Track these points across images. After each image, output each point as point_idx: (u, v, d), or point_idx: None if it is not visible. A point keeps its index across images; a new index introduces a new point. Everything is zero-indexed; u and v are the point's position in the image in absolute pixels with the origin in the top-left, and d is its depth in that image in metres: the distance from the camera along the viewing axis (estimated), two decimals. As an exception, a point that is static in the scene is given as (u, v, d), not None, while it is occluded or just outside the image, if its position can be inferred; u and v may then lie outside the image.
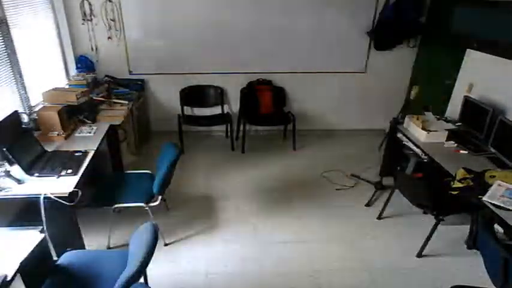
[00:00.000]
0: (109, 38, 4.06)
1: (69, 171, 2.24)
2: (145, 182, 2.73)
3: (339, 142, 4.64)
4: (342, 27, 4.21)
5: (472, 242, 2.42)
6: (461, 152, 2.82)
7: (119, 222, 2.84)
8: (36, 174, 2.20)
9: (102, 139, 2.79)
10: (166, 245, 2.74)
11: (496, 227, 2.33)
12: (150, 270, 2.44)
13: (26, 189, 2.08)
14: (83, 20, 3.94)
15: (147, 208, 2.53)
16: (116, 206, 2.51)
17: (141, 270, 1.57)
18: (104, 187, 2.73)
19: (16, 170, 2.19)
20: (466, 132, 3.08)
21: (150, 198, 2.57)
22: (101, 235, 2.72)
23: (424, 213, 3.07)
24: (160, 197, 2.59)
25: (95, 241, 2.68)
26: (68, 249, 2.04)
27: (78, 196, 2.10)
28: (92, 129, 2.92)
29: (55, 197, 2.01)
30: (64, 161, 2.35)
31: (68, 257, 1.98)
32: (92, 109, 3.24)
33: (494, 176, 2.33)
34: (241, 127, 4.30)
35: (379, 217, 3.11)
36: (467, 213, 2.76)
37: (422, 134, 2.97)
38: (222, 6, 4.01)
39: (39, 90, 3.21)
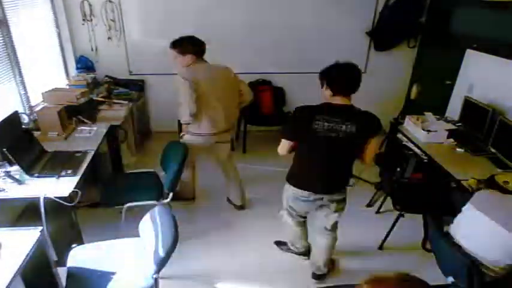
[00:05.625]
0: (109, 38, 4.06)
1: (69, 171, 2.24)
2: (151, 181, 2.72)
3: (339, 142, 4.62)
4: (342, 28, 4.21)
5: (422, 244, 2.38)
6: (459, 149, 2.83)
7: (120, 221, 2.83)
8: (36, 175, 2.20)
9: (102, 139, 2.79)
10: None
11: None
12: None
13: (26, 189, 2.08)
14: (83, 20, 3.94)
15: (159, 205, 2.50)
16: (128, 205, 2.49)
17: (175, 246, 1.66)
18: (113, 187, 2.74)
19: (16, 171, 2.19)
20: (466, 133, 3.07)
21: (159, 196, 2.57)
22: (101, 235, 2.71)
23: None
24: (171, 194, 2.56)
25: (95, 241, 2.67)
26: (73, 245, 2.05)
27: (78, 197, 2.10)
28: (92, 129, 2.92)
29: (55, 197, 2.01)
30: (64, 162, 2.35)
31: (81, 251, 2.00)
32: (92, 109, 3.24)
33: (507, 182, 2.26)
34: (242, 127, 4.29)
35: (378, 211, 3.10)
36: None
37: (422, 134, 2.97)
38: (222, 6, 4.01)
39: (39, 90, 3.21)
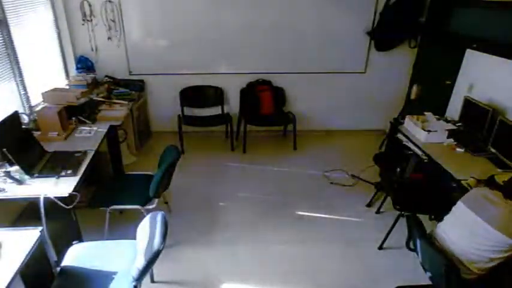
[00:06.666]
0: (109, 38, 4.06)
1: (69, 171, 2.24)
2: (145, 184, 2.72)
3: (339, 142, 4.64)
4: (342, 27, 4.21)
5: (406, 244, 2.39)
6: (459, 149, 2.83)
7: (121, 222, 2.83)
8: (36, 175, 2.20)
9: (102, 139, 2.79)
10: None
11: None
12: (152, 270, 2.45)
13: (25, 189, 2.08)
14: (83, 20, 3.94)
15: (143, 211, 2.50)
16: (112, 207, 2.50)
17: (156, 258, 1.64)
18: (104, 188, 2.73)
19: (16, 171, 2.19)
20: (466, 133, 3.07)
21: (148, 200, 2.55)
22: (102, 235, 2.72)
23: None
24: (156, 200, 2.57)
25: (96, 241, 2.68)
26: (74, 242, 2.06)
27: (77, 199, 2.09)
28: (92, 129, 2.92)
29: (55, 197, 2.01)
30: (64, 162, 2.35)
31: (77, 249, 2.02)
32: (92, 109, 3.24)
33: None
34: (242, 127, 4.30)
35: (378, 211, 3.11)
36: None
37: (422, 134, 2.97)
38: (222, 6, 4.01)
39: (39, 90, 3.21)
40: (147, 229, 1.81)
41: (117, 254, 2.00)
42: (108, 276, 1.85)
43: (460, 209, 1.98)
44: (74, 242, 2.06)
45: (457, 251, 1.87)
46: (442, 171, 2.57)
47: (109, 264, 1.93)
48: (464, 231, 1.89)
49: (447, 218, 2.05)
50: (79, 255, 1.98)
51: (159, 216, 1.81)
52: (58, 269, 1.90)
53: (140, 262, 1.64)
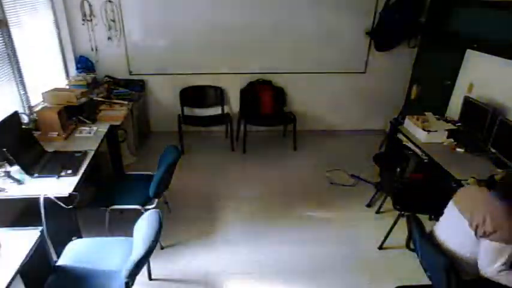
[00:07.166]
0: (109, 38, 4.06)
1: (69, 171, 2.24)
2: (146, 184, 2.72)
3: (339, 142, 4.64)
4: (342, 27, 4.21)
5: (406, 244, 2.40)
6: (459, 149, 2.83)
7: (122, 222, 2.83)
8: (36, 175, 2.20)
9: (102, 139, 2.79)
10: (162, 248, 2.73)
11: None
12: (151, 270, 2.46)
13: (26, 189, 2.08)
14: (83, 20, 3.94)
15: (143, 211, 2.48)
16: (112, 207, 2.50)
17: (149, 254, 1.65)
18: (104, 188, 2.73)
19: (16, 171, 2.19)
20: (466, 132, 3.07)
21: (148, 200, 2.55)
22: (102, 235, 2.71)
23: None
24: (156, 200, 2.57)
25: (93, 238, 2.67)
26: (73, 238, 2.08)
27: (77, 199, 2.09)
28: (92, 129, 2.92)
29: (55, 197, 2.01)
30: (64, 162, 2.35)
31: (75, 245, 2.03)
32: (92, 109, 3.24)
33: None
34: (242, 127, 4.30)
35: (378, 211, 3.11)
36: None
37: (422, 134, 2.97)
38: (222, 6, 4.01)
39: (39, 90, 3.21)
40: (143, 226, 1.82)
41: (113, 250, 2.01)
42: (102, 272, 1.86)
43: (449, 209, 1.99)
44: (73, 238, 2.06)
45: (453, 251, 1.87)
46: (442, 171, 2.57)
47: (104, 260, 1.94)
48: (455, 231, 1.89)
49: (442, 219, 2.05)
50: (75, 252, 1.99)
51: (154, 214, 1.82)
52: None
53: (133, 259, 1.65)
